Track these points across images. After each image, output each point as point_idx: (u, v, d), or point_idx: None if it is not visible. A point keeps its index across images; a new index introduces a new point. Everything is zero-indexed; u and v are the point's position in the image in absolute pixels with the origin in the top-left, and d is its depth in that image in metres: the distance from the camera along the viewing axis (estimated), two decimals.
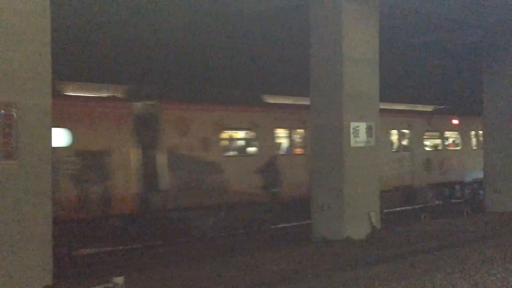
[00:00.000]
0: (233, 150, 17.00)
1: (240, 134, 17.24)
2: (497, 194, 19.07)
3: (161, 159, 14.74)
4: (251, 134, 17.18)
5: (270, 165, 17.17)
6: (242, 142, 17.31)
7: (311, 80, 14.08)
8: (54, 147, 10.82)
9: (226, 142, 16.74)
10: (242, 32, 17.01)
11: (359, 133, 13.59)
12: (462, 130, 25.09)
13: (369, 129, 13.79)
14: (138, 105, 14.66)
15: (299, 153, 18.23)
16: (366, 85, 13.87)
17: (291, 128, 18.09)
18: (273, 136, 17.60)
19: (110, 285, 8.81)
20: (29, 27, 8.93)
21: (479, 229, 15.06)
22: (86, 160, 13.50)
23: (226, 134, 16.69)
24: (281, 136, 18.00)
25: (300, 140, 18.43)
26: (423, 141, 23.13)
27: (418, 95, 28.63)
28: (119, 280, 8.75)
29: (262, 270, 10.65)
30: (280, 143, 17.97)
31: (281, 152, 17.82)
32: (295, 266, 10.90)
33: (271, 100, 18.76)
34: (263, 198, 16.92)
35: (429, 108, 25.89)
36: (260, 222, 16.92)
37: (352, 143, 13.51)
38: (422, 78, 27.83)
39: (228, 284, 9.69)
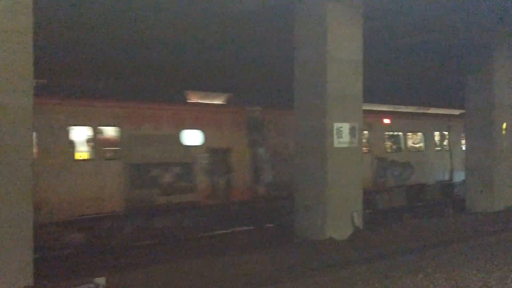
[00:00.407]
0: None
1: None
2: (479, 194, 19.22)
3: (265, 156, 17.77)
4: None
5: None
6: None
7: (295, 80, 14.10)
8: (193, 146, 15.45)
9: None
10: (227, 32, 17.00)
11: (342, 133, 13.63)
12: None
13: (352, 129, 13.84)
14: (248, 111, 17.71)
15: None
16: (350, 86, 13.91)
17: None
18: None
19: (92, 285, 8.77)
20: (11, 26, 8.86)
21: (460, 230, 15.17)
22: (214, 156, 16.47)
23: None
24: None
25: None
26: (460, 142, 24.62)
27: (401, 96, 28.88)
28: (101, 280, 8.72)
29: (246, 270, 10.65)
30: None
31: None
32: (278, 266, 10.91)
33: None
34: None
35: (457, 111, 26.34)
36: None
37: (336, 144, 13.54)
38: (407, 80, 28.02)
39: (211, 284, 9.69)
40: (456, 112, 26.38)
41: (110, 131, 14.93)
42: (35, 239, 9.33)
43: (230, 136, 17.04)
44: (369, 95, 20.18)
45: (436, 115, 26.94)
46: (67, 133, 14.02)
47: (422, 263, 11.10)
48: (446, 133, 24.89)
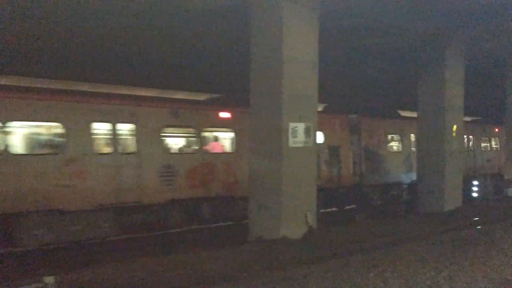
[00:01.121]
0: (392, 147, 24.70)
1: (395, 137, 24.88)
2: (430, 195, 19.61)
3: (360, 152, 22.28)
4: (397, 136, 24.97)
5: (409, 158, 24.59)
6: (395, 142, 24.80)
7: (251, 79, 14.09)
8: (319, 143, 17.82)
9: (389, 142, 24.37)
10: (183, 30, 16.89)
11: (297, 133, 13.70)
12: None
13: (307, 129, 13.92)
14: (349, 118, 22.17)
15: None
16: (305, 86, 13.98)
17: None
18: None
19: (40, 284, 8.57)
20: None
21: (412, 229, 15.45)
22: (330, 151, 20.91)
23: (388, 137, 24.33)
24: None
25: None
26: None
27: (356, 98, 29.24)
28: (50, 279, 8.52)
29: (198, 269, 10.58)
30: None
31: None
32: (232, 265, 10.89)
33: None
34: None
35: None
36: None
37: (291, 143, 13.60)
38: (362, 82, 28.38)
39: (163, 284, 9.58)
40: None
41: None
42: None
43: (339, 137, 21.61)
44: (329, 96, 20.56)
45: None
46: None
47: (374, 262, 11.24)
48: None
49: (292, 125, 13.60)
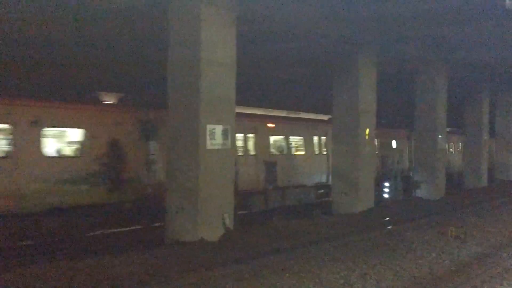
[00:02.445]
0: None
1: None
2: (344, 196, 20.13)
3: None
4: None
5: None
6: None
7: (168, 80, 13.96)
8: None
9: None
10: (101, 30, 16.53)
11: (215, 135, 13.70)
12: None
13: (225, 132, 13.95)
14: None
15: None
16: (223, 88, 14.01)
17: None
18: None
19: None
20: None
21: (326, 230, 15.81)
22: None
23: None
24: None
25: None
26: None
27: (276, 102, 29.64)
28: None
29: (113, 273, 10.34)
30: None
31: None
32: (147, 268, 10.72)
33: None
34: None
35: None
36: None
37: (208, 145, 13.58)
38: (280, 85, 28.80)
39: None
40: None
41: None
42: None
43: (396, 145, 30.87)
44: (245, 98, 20.63)
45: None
46: None
47: (290, 262, 11.43)
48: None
49: (210, 127, 13.58)
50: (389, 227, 16.63)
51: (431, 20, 17.55)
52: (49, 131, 15.44)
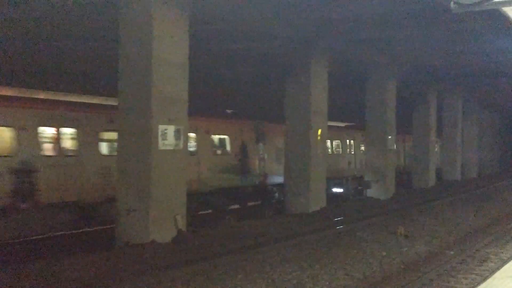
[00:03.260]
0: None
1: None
2: (297, 197, 20.23)
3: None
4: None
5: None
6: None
7: (119, 79, 13.72)
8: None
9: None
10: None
11: (167, 136, 13.55)
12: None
13: (177, 132, 13.82)
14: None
15: None
16: (175, 88, 13.86)
17: None
18: None
19: None
20: None
21: (279, 230, 15.86)
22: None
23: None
24: None
25: None
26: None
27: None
28: None
29: (62, 278, 10.10)
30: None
31: None
32: (97, 272, 10.52)
33: None
34: None
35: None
36: None
37: (160, 146, 13.41)
38: (233, 86, 28.70)
39: None
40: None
41: None
42: None
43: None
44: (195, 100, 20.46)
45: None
46: None
47: (242, 263, 11.41)
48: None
49: (162, 127, 13.42)
50: (341, 226, 16.83)
51: (381, 24, 17.85)
52: (214, 137, 21.99)
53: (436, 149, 35.64)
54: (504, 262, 11.14)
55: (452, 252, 13.57)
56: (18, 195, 14.49)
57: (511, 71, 25.45)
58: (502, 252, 13.57)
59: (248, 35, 18.10)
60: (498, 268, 9.96)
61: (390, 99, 26.12)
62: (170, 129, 13.62)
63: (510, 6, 6.10)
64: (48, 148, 15.67)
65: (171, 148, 13.70)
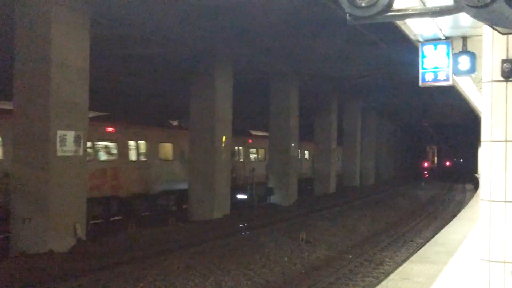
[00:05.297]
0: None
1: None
2: (200, 204, 20.17)
3: None
4: None
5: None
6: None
7: (14, 81, 13.13)
8: None
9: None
10: None
11: (66, 142, 13.10)
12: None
13: (77, 138, 13.40)
14: None
15: None
16: (75, 93, 13.46)
17: None
18: None
19: None
20: None
21: (182, 238, 15.75)
22: None
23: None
24: None
25: None
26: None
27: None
28: None
29: None
30: None
31: None
32: None
33: None
34: None
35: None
36: None
37: (59, 152, 12.95)
38: (136, 92, 28.28)
39: None
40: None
41: None
42: None
43: None
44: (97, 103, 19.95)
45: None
46: None
47: (144, 271, 11.21)
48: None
49: (60, 133, 12.96)
50: (245, 233, 16.96)
51: (282, 33, 18.18)
52: (252, 150, 30.01)
53: (337, 157, 36.63)
54: (398, 265, 11.64)
55: (350, 256, 14.05)
56: None
57: (404, 81, 26.59)
58: (397, 256, 14.23)
59: (150, 39, 17.86)
60: (392, 271, 10.40)
61: (293, 107, 26.70)
62: (70, 135, 13.19)
63: (403, 20, 6.40)
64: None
65: (71, 154, 13.26)
